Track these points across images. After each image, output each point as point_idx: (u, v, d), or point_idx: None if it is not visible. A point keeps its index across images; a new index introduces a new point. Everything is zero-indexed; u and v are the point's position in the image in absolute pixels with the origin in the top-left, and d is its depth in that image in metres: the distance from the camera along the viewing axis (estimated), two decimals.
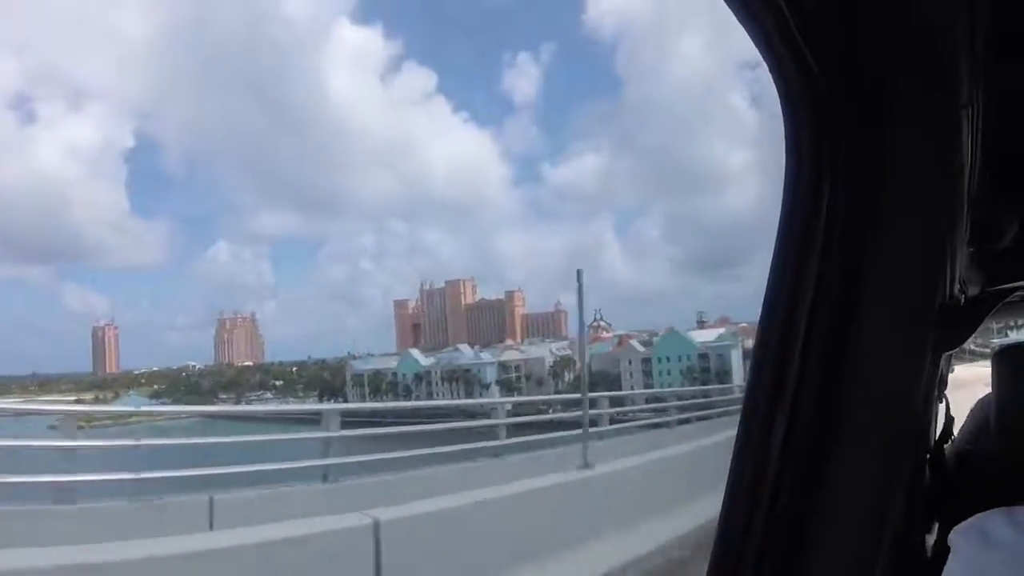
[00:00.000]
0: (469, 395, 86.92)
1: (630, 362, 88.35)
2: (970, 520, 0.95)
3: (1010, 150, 1.20)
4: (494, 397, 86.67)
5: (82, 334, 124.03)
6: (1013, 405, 1.25)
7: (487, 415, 11.32)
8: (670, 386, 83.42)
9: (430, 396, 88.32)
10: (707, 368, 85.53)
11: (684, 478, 8.40)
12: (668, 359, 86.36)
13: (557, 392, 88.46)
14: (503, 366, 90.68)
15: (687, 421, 15.09)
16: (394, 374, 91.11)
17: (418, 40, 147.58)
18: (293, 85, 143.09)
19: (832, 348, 0.97)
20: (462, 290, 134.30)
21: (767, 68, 0.91)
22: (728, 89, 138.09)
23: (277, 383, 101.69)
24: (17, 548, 4.45)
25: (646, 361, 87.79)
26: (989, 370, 1.29)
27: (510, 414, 11.63)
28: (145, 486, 6.96)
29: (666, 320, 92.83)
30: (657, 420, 15.85)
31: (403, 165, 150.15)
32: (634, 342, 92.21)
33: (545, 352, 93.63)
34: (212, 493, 6.99)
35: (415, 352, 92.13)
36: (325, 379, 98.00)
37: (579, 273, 8.80)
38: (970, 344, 1.31)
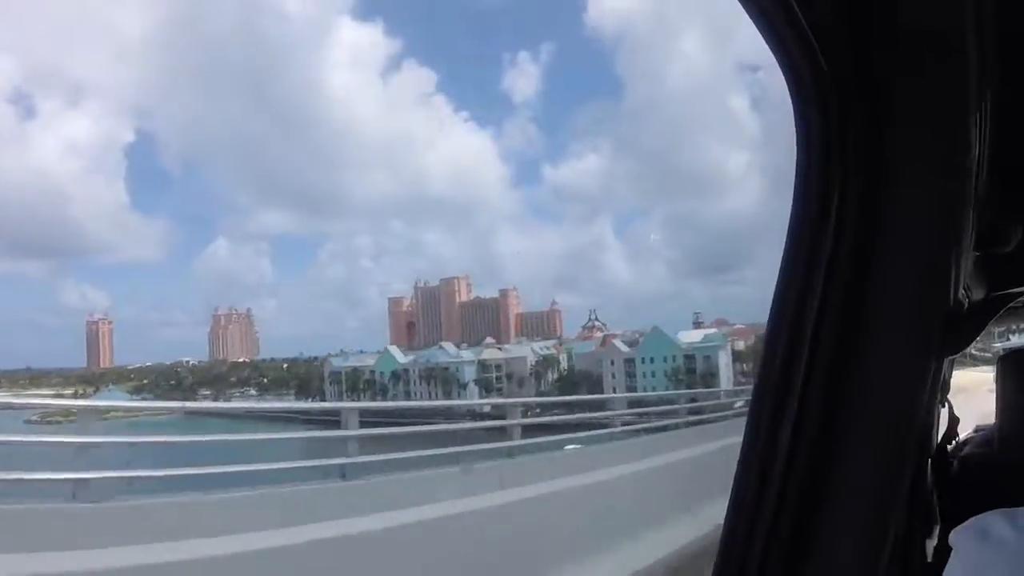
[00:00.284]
0: (447, 395, 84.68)
1: (612, 363, 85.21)
2: (970, 521, 0.96)
3: (1017, 154, 1.20)
4: (472, 397, 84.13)
5: (78, 329, 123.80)
6: (1017, 410, 1.30)
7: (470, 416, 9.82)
8: (653, 389, 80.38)
9: (407, 395, 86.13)
10: (693, 370, 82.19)
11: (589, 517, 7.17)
12: (652, 360, 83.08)
13: (540, 393, 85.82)
14: (482, 365, 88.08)
15: (663, 428, 13.86)
16: (372, 372, 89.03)
17: (418, 39, 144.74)
18: (292, 83, 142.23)
19: (838, 350, 0.99)
20: (457, 288, 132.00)
21: (778, 67, 0.92)
22: (729, 91, 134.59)
23: (263, 380, 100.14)
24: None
25: (629, 362, 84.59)
26: (988, 375, 1.32)
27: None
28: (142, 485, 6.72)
29: (664, 322, 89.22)
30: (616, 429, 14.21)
31: (402, 164, 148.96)
32: (617, 342, 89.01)
33: (527, 351, 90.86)
34: (206, 493, 6.62)
35: (393, 349, 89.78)
36: (302, 377, 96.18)
37: None
38: (971, 348, 1.28)
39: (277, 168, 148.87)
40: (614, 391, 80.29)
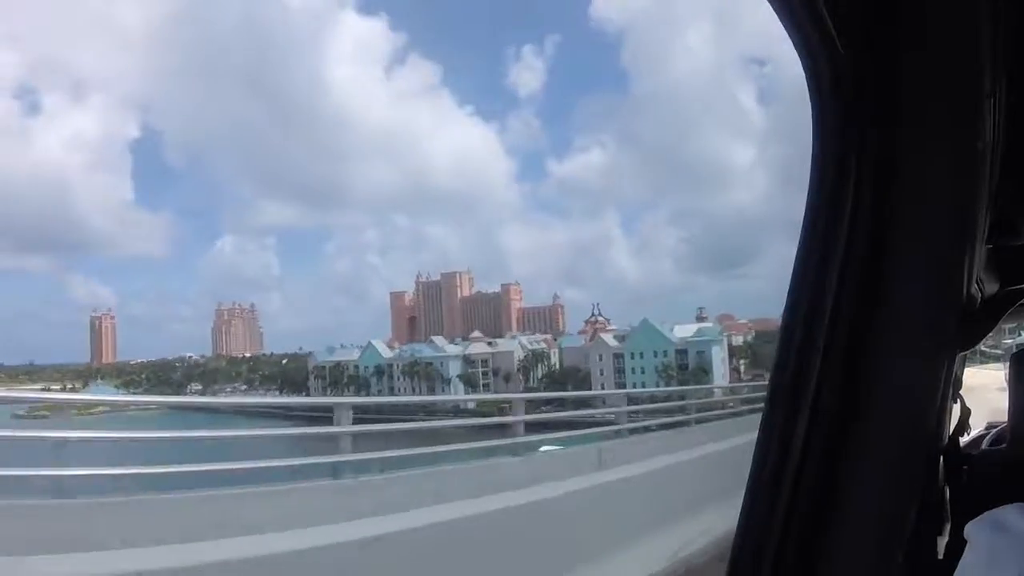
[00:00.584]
0: (431, 390, 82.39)
1: (600, 357, 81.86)
2: (985, 513, 0.96)
3: None
4: (457, 393, 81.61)
5: (82, 324, 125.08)
6: None
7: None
8: (643, 385, 76.95)
9: (391, 391, 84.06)
10: (684, 365, 78.56)
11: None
12: (641, 355, 79.54)
13: (528, 389, 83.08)
14: (468, 360, 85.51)
15: (639, 430, 12.19)
16: (356, 367, 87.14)
17: (423, 32, 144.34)
18: (296, 76, 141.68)
19: (853, 344, 0.99)
20: (458, 283, 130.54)
21: (793, 54, 0.92)
22: (735, 85, 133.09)
23: (253, 376, 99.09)
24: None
25: (618, 357, 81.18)
26: (998, 373, 1.35)
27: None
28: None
29: (670, 317, 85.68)
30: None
31: (407, 158, 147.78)
32: (606, 335, 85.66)
33: (515, 346, 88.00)
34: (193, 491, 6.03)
35: (377, 343, 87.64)
36: (287, 372, 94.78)
37: None
38: (981, 345, 1.32)
39: (281, 162, 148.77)
40: (602, 387, 77.16)
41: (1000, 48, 0.91)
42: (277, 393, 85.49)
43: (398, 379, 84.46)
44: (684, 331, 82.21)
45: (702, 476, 8.68)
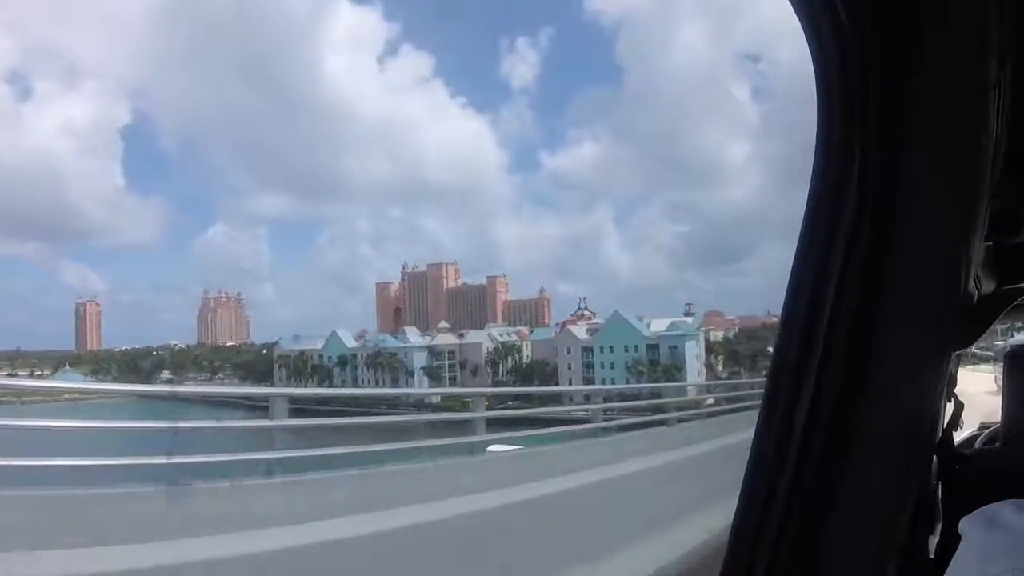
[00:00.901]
0: (394, 382, 79.58)
1: (568, 351, 78.34)
2: (979, 509, 0.97)
3: None
4: (421, 385, 78.71)
5: (70, 311, 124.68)
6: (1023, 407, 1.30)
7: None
8: (612, 381, 73.36)
9: (354, 382, 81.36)
10: (656, 361, 74.86)
11: None
12: (611, 349, 75.92)
13: (496, 383, 79.82)
14: (434, 352, 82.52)
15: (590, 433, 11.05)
16: (320, 356, 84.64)
17: (416, 22, 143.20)
18: (291, 65, 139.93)
19: (851, 341, 0.99)
20: (444, 274, 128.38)
21: (804, 35, 0.93)
22: (730, 81, 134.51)
23: (220, 364, 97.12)
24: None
25: (587, 351, 77.64)
26: (987, 375, 1.37)
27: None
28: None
29: (662, 312, 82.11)
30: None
31: (399, 150, 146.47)
32: (575, 328, 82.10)
33: (483, 338, 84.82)
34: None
35: (342, 332, 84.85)
36: (252, 361, 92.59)
37: None
38: (972, 346, 1.32)
39: (274, 151, 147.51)
40: (570, 383, 73.77)
41: (1005, 37, 0.90)
42: (239, 383, 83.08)
43: (361, 370, 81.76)
44: (661, 326, 78.55)
45: (664, 487, 7.81)
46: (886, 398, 1.00)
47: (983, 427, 1.70)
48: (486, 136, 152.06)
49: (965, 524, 0.95)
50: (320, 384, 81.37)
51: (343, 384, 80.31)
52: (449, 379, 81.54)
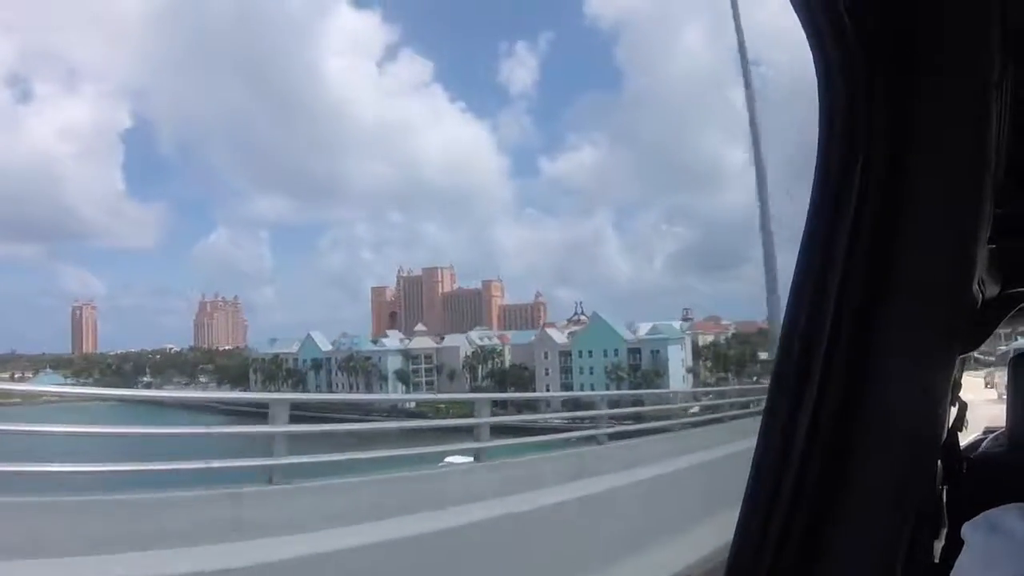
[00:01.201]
0: (367, 387, 76.84)
1: (546, 355, 74.80)
2: (982, 515, 0.96)
3: None
4: (396, 391, 75.79)
5: (63, 314, 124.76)
6: None
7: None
8: (591, 387, 69.77)
9: (329, 386, 78.83)
10: (637, 366, 71.01)
11: None
12: (590, 353, 72.26)
13: (474, 389, 76.65)
14: (410, 356, 79.59)
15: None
16: (295, 360, 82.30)
17: (415, 27, 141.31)
18: (290, 69, 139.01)
19: (854, 344, 0.99)
20: (440, 278, 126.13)
21: (808, 43, 0.93)
22: (729, 85, 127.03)
23: (208, 367, 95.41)
24: None
25: (565, 355, 74.03)
26: (975, 380, 1.44)
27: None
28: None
29: (660, 318, 78.37)
30: None
31: (398, 154, 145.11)
32: (553, 331, 78.53)
33: (461, 341, 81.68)
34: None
35: (316, 335, 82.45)
36: (224, 365, 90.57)
37: None
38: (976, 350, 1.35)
39: (273, 155, 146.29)
40: (547, 388, 70.20)
41: (1007, 43, 0.91)
42: (215, 387, 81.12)
43: (335, 374, 79.19)
44: (646, 329, 74.72)
45: (628, 511, 7.13)
46: (890, 402, 0.98)
47: (988, 431, 1.63)
48: (485, 141, 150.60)
49: (968, 529, 0.94)
50: (294, 388, 78.88)
51: (317, 389, 77.86)
52: (426, 384, 78.57)
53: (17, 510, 4.61)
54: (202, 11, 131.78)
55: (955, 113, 0.92)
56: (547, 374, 73.12)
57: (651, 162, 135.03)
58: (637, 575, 6.63)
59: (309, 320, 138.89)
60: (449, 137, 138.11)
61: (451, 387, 76.88)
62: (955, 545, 0.98)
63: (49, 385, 67.61)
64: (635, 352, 71.73)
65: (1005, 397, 1.41)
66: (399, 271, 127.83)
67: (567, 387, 71.45)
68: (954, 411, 1.19)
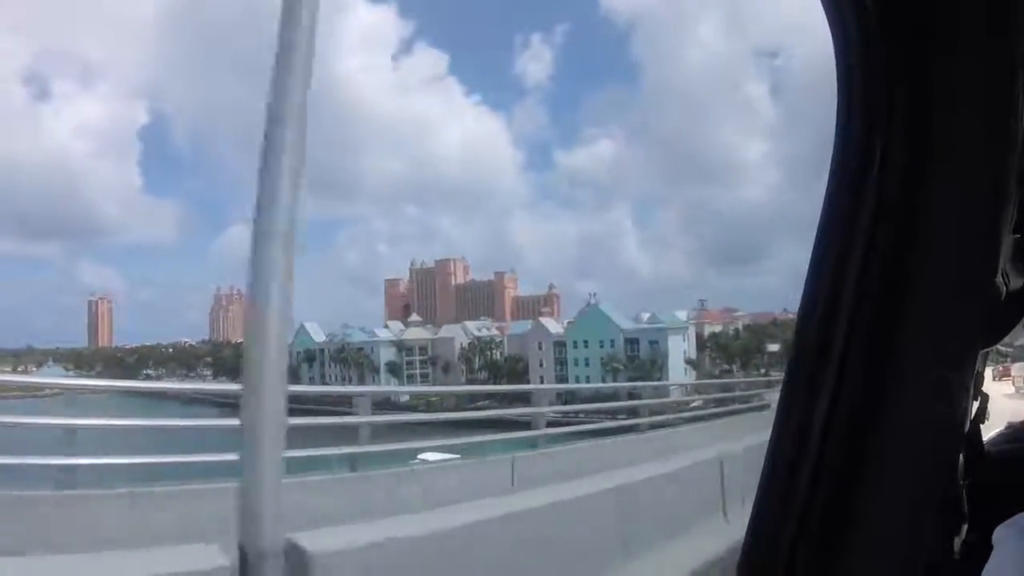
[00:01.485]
0: (360, 379, 74.78)
1: (540, 346, 71.54)
2: (1015, 517, 0.94)
3: None
4: (388, 383, 73.50)
5: (80, 309, 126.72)
6: None
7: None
8: (587, 379, 66.27)
9: (322, 378, 77.10)
10: (635, 356, 67.26)
11: None
12: (586, 344, 68.78)
13: (470, 381, 73.90)
14: (404, 347, 77.23)
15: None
16: (289, 352, 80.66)
17: (430, 20, 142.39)
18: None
19: (872, 338, 0.98)
20: (452, 270, 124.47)
21: (832, 42, 0.93)
22: (747, 78, 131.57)
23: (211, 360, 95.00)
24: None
25: (560, 346, 70.63)
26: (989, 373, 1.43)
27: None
28: None
29: (678, 310, 74.63)
30: None
31: (414, 148, 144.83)
32: (547, 321, 75.12)
33: (457, 332, 78.94)
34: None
35: (310, 326, 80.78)
36: (219, 357, 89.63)
37: None
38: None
39: None
40: (541, 380, 66.98)
41: None
42: (210, 378, 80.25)
43: (328, 366, 77.36)
44: (644, 317, 70.86)
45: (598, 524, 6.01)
46: (910, 396, 0.97)
47: (1009, 426, 1.56)
48: (501, 134, 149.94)
49: (1001, 533, 0.92)
50: (290, 380, 77.29)
51: (310, 381, 76.14)
52: (420, 376, 76.10)
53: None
54: (216, 8, 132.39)
55: (978, 98, 0.91)
56: (542, 365, 69.93)
57: (669, 156, 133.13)
58: None
59: (326, 314, 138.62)
60: (464, 131, 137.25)
61: (446, 379, 74.29)
62: (975, 541, 0.97)
63: (48, 377, 68.23)
64: (633, 342, 68.06)
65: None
66: (412, 263, 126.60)
67: (562, 379, 68.19)
68: (976, 405, 1.17)
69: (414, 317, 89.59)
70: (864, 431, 0.97)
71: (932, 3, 0.89)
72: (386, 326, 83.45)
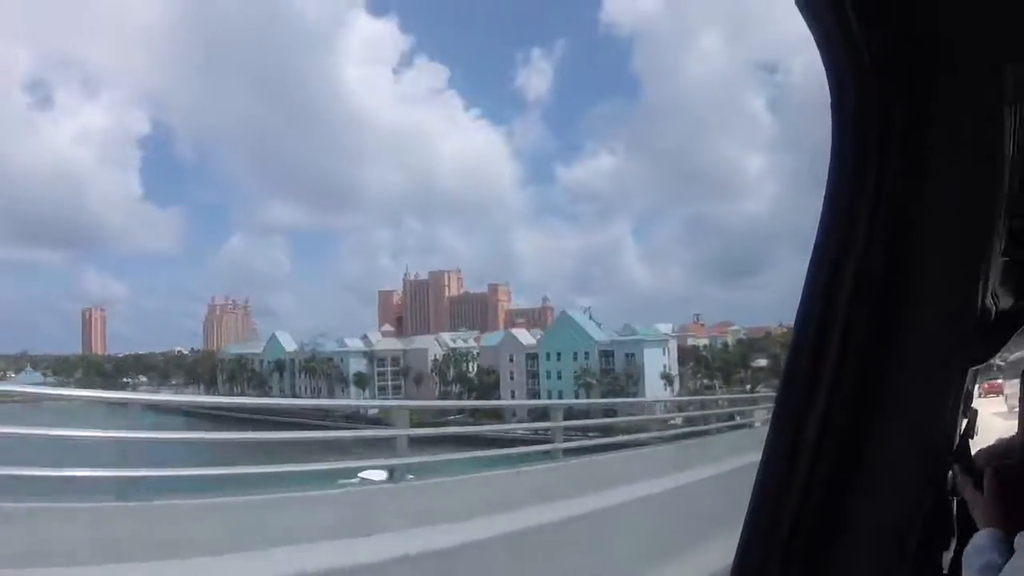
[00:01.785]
0: (329, 391, 72.16)
1: (511, 358, 68.20)
2: None
3: None
4: (359, 395, 70.72)
5: (73, 316, 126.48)
6: None
7: None
8: (559, 394, 62.86)
9: (292, 389, 74.59)
10: (610, 370, 63.60)
11: None
12: (558, 356, 65.35)
13: (443, 395, 70.83)
14: (374, 358, 74.40)
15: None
16: (260, 361, 78.46)
17: (431, 34, 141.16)
18: (308, 76, 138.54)
19: (865, 354, 0.99)
20: (446, 282, 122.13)
21: (823, 70, 0.94)
22: (747, 92, 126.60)
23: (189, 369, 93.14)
24: None
25: (532, 358, 67.20)
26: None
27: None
28: None
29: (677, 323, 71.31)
30: None
31: (413, 161, 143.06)
32: (520, 331, 71.78)
33: (431, 343, 75.94)
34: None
35: (281, 335, 78.49)
36: (187, 365, 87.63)
37: None
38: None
39: (290, 161, 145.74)
40: (512, 395, 63.68)
41: (1020, 61, 0.91)
42: (183, 388, 78.26)
43: (298, 376, 74.83)
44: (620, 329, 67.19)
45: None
46: (901, 412, 0.98)
47: (999, 441, 1.63)
48: (501, 147, 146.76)
49: (1021, 539, 0.93)
50: (257, 390, 74.99)
51: (281, 392, 73.75)
52: (392, 388, 73.17)
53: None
54: (220, 19, 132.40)
55: (969, 124, 0.92)
56: (512, 378, 66.59)
57: (669, 170, 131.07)
58: None
59: (323, 325, 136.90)
60: (465, 144, 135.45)
61: (417, 392, 71.24)
62: (960, 559, 0.98)
63: (29, 384, 66.81)
64: (607, 355, 64.37)
65: (1017, 409, 1.41)
66: (405, 275, 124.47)
67: (534, 394, 64.65)
68: (965, 421, 1.18)
69: (386, 327, 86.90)
70: (855, 446, 0.98)
71: (921, 38, 0.89)
72: (366, 336, 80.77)
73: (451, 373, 73.00)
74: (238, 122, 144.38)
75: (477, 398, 64.81)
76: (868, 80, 0.92)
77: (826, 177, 0.98)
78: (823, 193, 0.98)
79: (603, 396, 56.76)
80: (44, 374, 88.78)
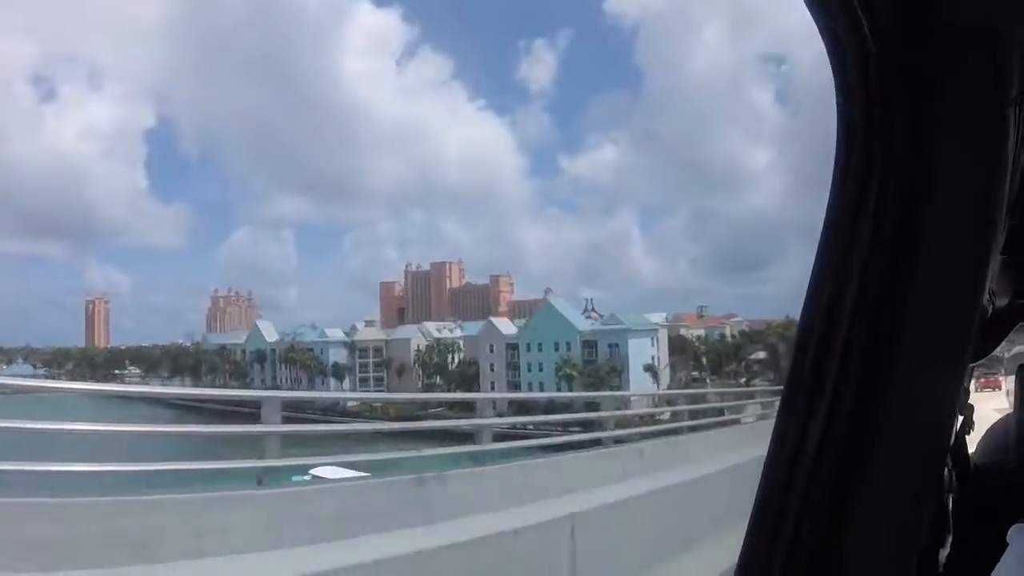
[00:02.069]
0: (309, 382, 70.09)
1: (492, 348, 65.25)
2: None
3: None
4: (339, 386, 68.59)
5: (77, 308, 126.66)
6: None
7: None
8: (540, 385, 59.97)
9: (274, 380, 72.63)
10: (592, 361, 60.37)
11: None
12: (540, 346, 62.29)
13: (427, 387, 68.37)
14: (356, 348, 72.06)
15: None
16: (243, 352, 76.69)
17: (434, 25, 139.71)
18: (309, 69, 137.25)
19: (868, 352, 1.00)
20: (448, 273, 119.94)
21: (829, 63, 0.95)
22: (752, 84, 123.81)
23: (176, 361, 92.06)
24: None
25: (512, 348, 64.15)
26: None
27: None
28: None
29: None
30: None
31: (417, 152, 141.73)
32: (501, 321, 68.75)
33: (413, 333, 73.33)
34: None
35: (263, 325, 76.74)
36: (171, 357, 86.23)
37: None
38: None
39: (294, 154, 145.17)
40: (492, 387, 60.78)
41: None
42: (169, 381, 76.93)
43: (279, 367, 72.87)
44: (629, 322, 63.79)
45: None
46: (900, 411, 1.00)
47: (993, 437, 1.68)
48: (504, 139, 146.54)
49: (1014, 533, 0.95)
50: (239, 380, 73.19)
51: (261, 383, 71.84)
52: (374, 380, 70.79)
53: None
54: (222, 13, 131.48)
55: (972, 128, 0.94)
56: (492, 370, 63.66)
57: (674, 161, 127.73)
58: None
59: (328, 317, 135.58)
60: (468, 135, 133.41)
61: (400, 383, 68.73)
62: (961, 553, 1.00)
63: (23, 376, 66.23)
64: (590, 346, 61.13)
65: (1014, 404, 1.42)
66: (407, 266, 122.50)
67: (515, 386, 61.60)
68: (962, 418, 1.21)
69: (368, 317, 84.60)
70: (856, 447, 0.99)
71: (926, 38, 0.90)
72: (354, 327, 78.54)
73: (437, 364, 70.43)
74: (241, 116, 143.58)
75: (458, 390, 61.91)
76: (872, 74, 0.92)
77: (831, 173, 0.99)
78: (828, 188, 0.99)
79: (585, 389, 53.45)
80: (35, 365, 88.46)
